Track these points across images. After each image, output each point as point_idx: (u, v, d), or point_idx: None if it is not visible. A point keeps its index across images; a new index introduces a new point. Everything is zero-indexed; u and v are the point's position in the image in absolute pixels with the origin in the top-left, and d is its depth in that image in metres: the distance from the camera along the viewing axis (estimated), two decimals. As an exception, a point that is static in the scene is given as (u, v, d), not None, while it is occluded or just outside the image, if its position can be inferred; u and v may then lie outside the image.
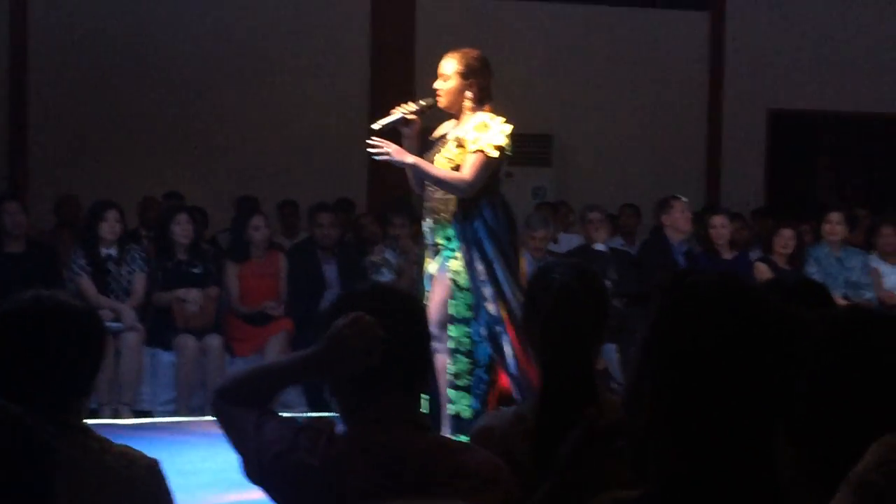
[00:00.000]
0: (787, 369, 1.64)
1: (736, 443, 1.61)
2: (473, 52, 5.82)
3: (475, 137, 5.67)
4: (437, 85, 5.80)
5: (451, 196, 5.70)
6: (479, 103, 5.77)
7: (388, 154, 5.65)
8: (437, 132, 5.95)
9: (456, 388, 5.66)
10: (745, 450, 1.61)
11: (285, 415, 2.62)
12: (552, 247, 9.51)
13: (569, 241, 10.34)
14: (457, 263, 5.68)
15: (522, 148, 11.62)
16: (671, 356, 1.64)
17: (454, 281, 5.68)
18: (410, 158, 5.68)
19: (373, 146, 5.67)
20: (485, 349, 5.67)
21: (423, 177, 5.71)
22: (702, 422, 1.61)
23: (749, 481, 1.61)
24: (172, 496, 2.55)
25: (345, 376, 2.53)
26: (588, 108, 12.63)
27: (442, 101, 5.78)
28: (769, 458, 1.64)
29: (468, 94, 5.75)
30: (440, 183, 5.67)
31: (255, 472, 2.54)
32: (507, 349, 5.57)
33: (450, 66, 5.76)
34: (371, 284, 2.80)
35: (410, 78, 11.20)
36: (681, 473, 1.61)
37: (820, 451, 1.77)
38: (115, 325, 8.18)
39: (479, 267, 5.63)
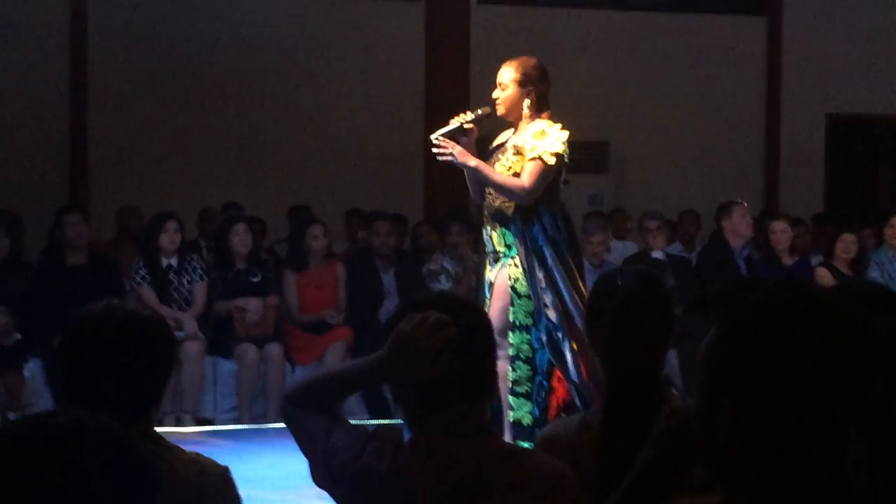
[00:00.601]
0: (862, 373, 1.62)
1: (816, 451, 1.60)
2: (531, 61, 5.84)
3: (533, 145, 5.68)
4: (495, 94, 5.81)
5: (511, 203, 5.71)
6: (538, 111, 5.78)
7: (451, 155, 5.68)
8: (497, 141, 5.97)
9: (516, 394, 5.66)
10: (825, 458, 1.60)
11: (353, 422, 2.64)
12: (605, 256, 9.46)
13: (622, 250, 10.28)
14: (516, 271, 5.69)
15: (579, 155, 11.60)
16: (747, 365, 1.61)
17: (514, 288, 5.69)
18: (473, 161, 5.71)
19: (436, 147, 5.70)
20: (545, 356, 5.67)
21: (484, 181, 5.72)
22: (784, 431, 1.60)
23: (828, 490, 1.59)
24: (241, 502, 2.57)
25: (411, 384, 2.54)
26: (644, 114, 12.58)
27: (500, 110, 5.80)
28: (843, 467, 1.62)
29: (526, 101, 5.76)
30: (499, 188, 5.68)
31: (324, 476, 2.56)
32: (568, 356, 5.57)
33: (507, 75, 5.78)
34: (436, 293, 2.80)
35: (465, 86, 11.22)
36: (765, 482, 1.61)
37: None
38: (176, 334, 8.24)
39: (539, 274, 5.64)
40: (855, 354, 1.61)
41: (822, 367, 1.60)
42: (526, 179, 5.65)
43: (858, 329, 1.62)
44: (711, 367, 1.65)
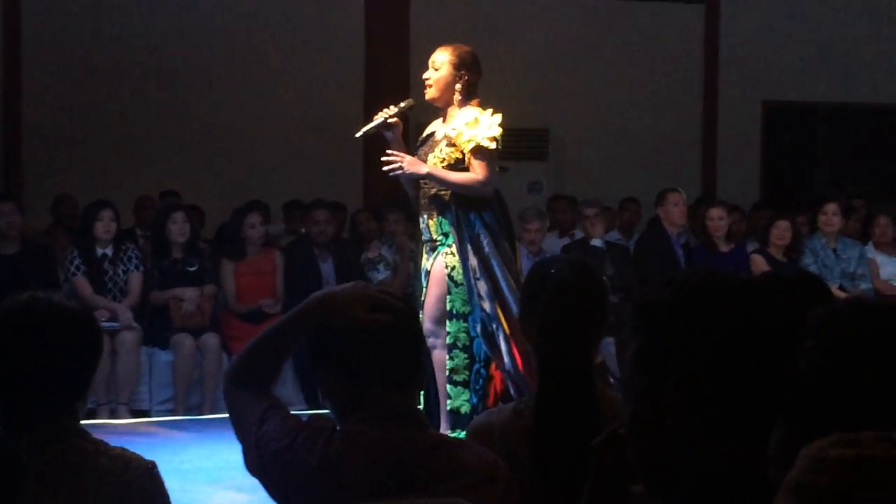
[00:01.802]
0: (787, 358, 1.68)
1: (752, 432, 1.66)
2: (466, 48, 5.83)
3: (470, 136, 5.65)
4: (427, 74, 5.79)
5: (445, 193, 5.69)
6: (467, 97, 5.75)
7: (401, 168, 5.65)
8: (426, 131, 5.94)
9: (454, 383, 5.65)
10: (757, 437, 1.65)
11: (292, 412, 2.61)
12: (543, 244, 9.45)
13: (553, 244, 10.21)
14: (453, 259, 5.67)
15: (518, 142, 11.64)
16: (690, 348, 1.68)
17: (450, 276, 5.67)
18: (424, 168, 5.68)
19: (386, 162, 5.67)
20: (482, 344, 5.66)
21: (440, 184, 5.69)
22: (726, 407, 1.67)
23: (758, 469, 1.63)
24: (168, 499, 2.54)
25: (337, 374, 2.52)
26: (584, 101, 12.62)
27: (430, 92, 5.76)
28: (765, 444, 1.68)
29: (457, 86, 5.73)
30: (458, 187, 5.66)
31: (255, 465, 2.54)
32: (503, 346, 5.56)
33: (442, 57, 5.76)
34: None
35: (405, 74, 11.18)
36: (713, 466, 1.64)
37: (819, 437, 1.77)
38: (111, 324, 8.16)
39: (474, 262, 5.62)
40: (780, 334, 1.69)
41: (753, 344, 1.68)
42: (479, 173, 5.64)
43: (782, 312, 1.71)
44: (650, 363, 1.71)
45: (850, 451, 1.53)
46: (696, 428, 1.68)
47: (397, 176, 5.74)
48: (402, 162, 5.65)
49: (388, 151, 5.71)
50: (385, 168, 5.71)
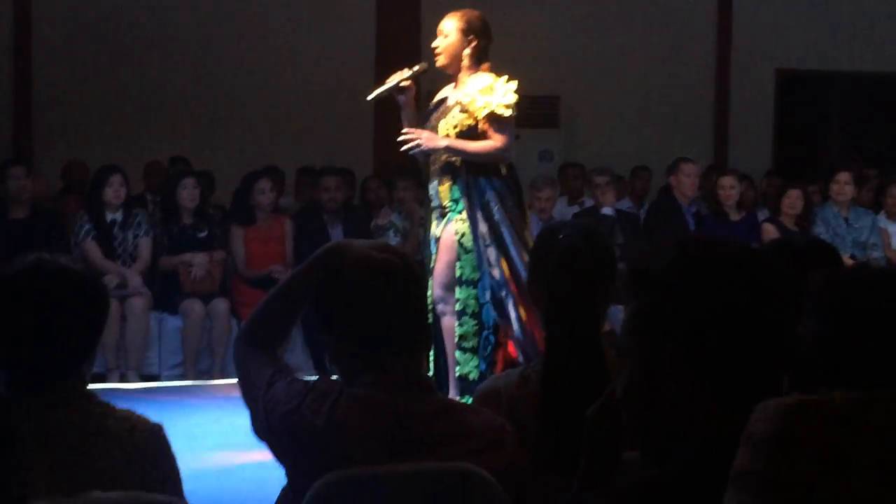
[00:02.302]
0: (788, 322, 1.68)
1: (750, 397, 1.66)
2: (475, 13, 5.79)
3: (485, 102, 5.62)
4: (436, 42, 5.75)
5: (456, 158, 5.67)
6: (477, 63, 5.72)
7: (419, 145, 5.62)
8: (437, 97, 5.91)
9: (463, 349, 5.65)
10: (755, 401, 1.65)
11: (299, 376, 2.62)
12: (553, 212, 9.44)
13: (564, 212, 10.20)
14: (463, 225, 5.65)
15: (529, 110, 11.57)
16: (691, 312, 1.68)
17: (460, 243, 5.66)
18: (443, 142, 5.65)
19: (404, 139, 5.64)
20: (492, 311, 5.65)
21: (460, 154, 5.66)
22: (724, 380, 1.68)
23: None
24: (175, 460, 2.54)
25: (344, 337, 2.52)
26: (596, 68, 12.55)
27: (440, 60, 5.73)
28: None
29: (466, 51, 5.70)
30: (478, 156, 5.63)
31: (262, 428, 2.54)
32: (512, 312, 5.55)
33: (450, 24, 5.72)
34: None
35: (416, 41, 11.12)
36: (710, 431, 1.64)
37: None
38: (121, 290, 8.17)
39: (483, 229, 5.61)
40: (779, 299, 1.69)
41: (751, 309, 1.68)
42: (497, 140, 5.62)
43: (779, 277, 1.71)
44: (647, 329, 1.72)
45: (790, 398, 1.56)
46: (694, 393, 1.68)
47: (416, 153, 5.72)
48: (419, 139, 5.63)
49: (405, 130, 5.69)
50: (404, 147, 5.68)
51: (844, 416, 1.55)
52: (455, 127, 5.67)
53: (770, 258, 1.72)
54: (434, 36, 5.82)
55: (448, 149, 5.65)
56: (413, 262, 2.66)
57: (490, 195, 5.65)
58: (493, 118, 5.62)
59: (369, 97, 5.78)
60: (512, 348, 5.64)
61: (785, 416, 1.56)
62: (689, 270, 1.70)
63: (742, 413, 1.65)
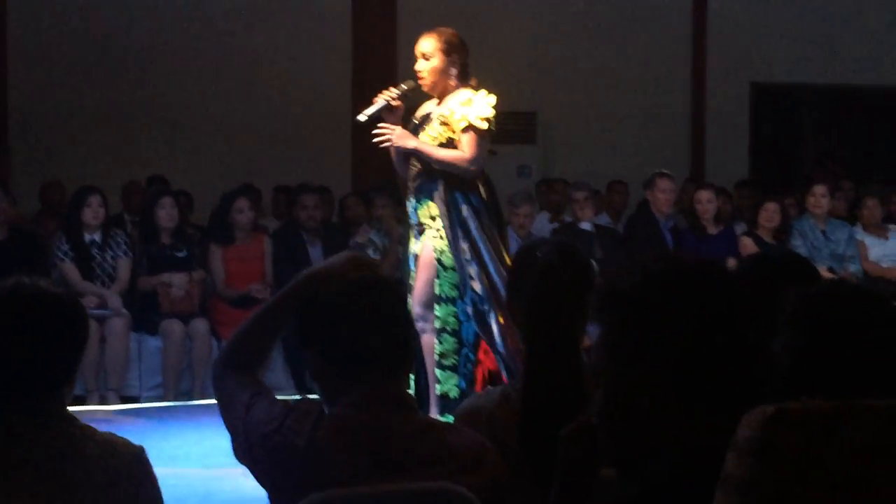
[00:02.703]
0: (759, 337, 1.72)
1: (724, 412, 1.69)
2: (449, 30, 5.81)
3: (462, 114, 5.64)
4: (419, 66, 5.75)
5: (436, 174, 5.69)
6: (464, 79, 5.75)
7: (390, 140, 5.64)
8: (419, 112, 5.92)
9: (443, 367, 5.65)
10: (730, 416, 1.68)
11: (279, 397, 2.62)
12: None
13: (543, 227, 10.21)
14: (441, 243, 5.66)
15: (506, 126, 11.59)
16: (663, 330, 1.71)
17: (439, 260, 5.67)
18: (413, 142, 5.67)
19: (377, 133, 5.65)
20: (471, 328, 5.66)
21: (426, 159, 5.68)
22: (697, 396, 1.70)
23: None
24: (157, 483, 2.53)
25: (326, 357, 2.53)
26: (571, 83, 12.60)
27: (426, 82, 5.74)
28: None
29: (452, 70, 5.72)
30: (444, 164, 5.65)
31: (243, 451, 2.54)
32: (495, 328, 5.56)
33: (430, 45, 5.73)
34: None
35: (392, 55, 11.15)
36: (686, 446, 1.66)
37: None
38: (100, 311, 8.15)
39: (464, 245, 5.62)
40: (747, 315, 1.74)
41: (719, 326, 1.71)
42: (466, 150, 5.64)
43: (745, 292, 1.76)
44: (619, 349, 1.75)
45: (770, 406, 1.59)
46: (669, 409, 1.71)
47: (386, 147, 5.73)
48: (391, 134, 5.65)
49: (381, 124, 5.70)
50: (375, 140, 5.69)
51: (820, 424, 1.59)
52: (435, 139, 5.69)
53: (738, 274, 1.76)
54: (410, 53, 5.84)
55: (416, 150, 5.66)
56: (393, 282, 2.67)
57: (468, 212, 5.66)
58: (468, 129, 5.64)
59: (360, 118, 5.75)
60: (491, 364, 5.64)
61: (765, 423, 1.60)
62: (656, 289, 1.73)
63: (716, 427, 1.68)
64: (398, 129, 5.67)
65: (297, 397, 2.62)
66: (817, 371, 1.81)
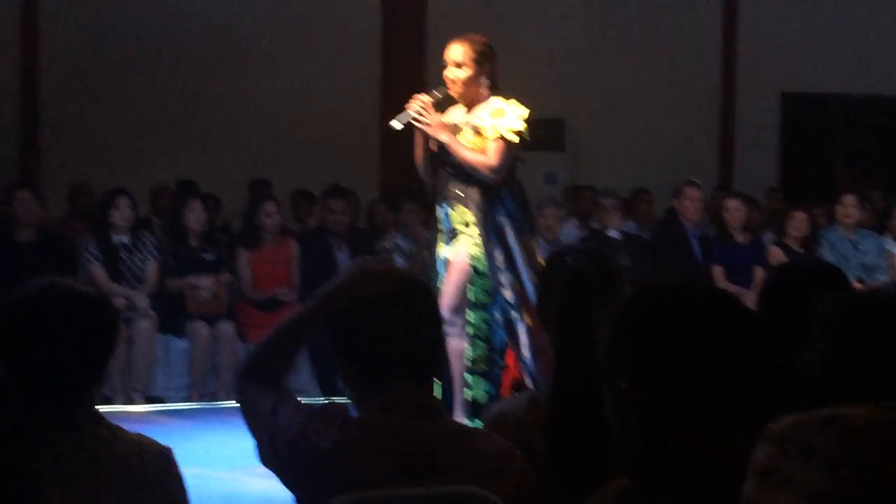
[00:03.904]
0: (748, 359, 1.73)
1: (709, 426, 1.70)
2: (481, 38, 5.81)
3: (493, 124, 5.65)
4: (451, 74, 5.74)
5: (472, 183, 5.69)
6: (493, 88, 5.75)
7: (428, 124, 5.65)
8: (446, 118, 5.91)
9: (473, 373, 5.65)
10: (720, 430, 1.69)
11: (302, 400, 2.62)
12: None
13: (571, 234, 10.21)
14: (477, 249, 5.67)
15: (534, 133, 11.58)
16: (635, 350, 1.75)
17: (474, 267, 5.67)
18: (445, 136, 5.68)
19: (417, 110, 5.64)
20: (501, 334, 5.66)
21: (453, 153, 5.67)
22: (680, 414, 1.71)
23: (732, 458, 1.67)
24: (184, 483, 2.54)
25: (356, 364, 2.52)
26: (600, 91, 12.58)
27: (456, 90, 5.74)
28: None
29: (483, 80, 5.73)
30: (467, 164, 5.65)
31: (269, 456, 2.54)
32: (523, 336, 5.56)
33: (461, 54, 5.72)
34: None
35: (421, 61, 11.18)
36: (678, 463, 1.66)
37: None
38: (128, 312, 8.18)
39: (498, 254, 5.63)
40: (724, 336, 1.73)
41: (692, 348, 1.72)
42: (492, 158, 5.65)
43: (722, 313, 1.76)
44: (609, 369, 1.81)
45: (780, 424, 1.58)
46: (655, 429, 1.73)
47: (420, 129, 5.71)
48: (429, 119, 5.65)
49: (422, 97, 5.68)
50: (413, 114, 5.67)
51: (855, 429, 1.57)
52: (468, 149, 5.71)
53: (768, 284, 1.75)
54: (440, 58, 5.84)
55: (446, 144, 5.66)
56: (430, 288, 2.66)
57: (504, 218, 5.67)
58: (498, 140, 5.64)
59: (395, 124, 5.75)
60: (518, 370, 5.64)
61: (777, 441, 1.58)
62: (634, 315, 1.77)
63: (724, 442, 1.68)
64: (435, 117, 5.68)
65: (323, 401, 2.61)
66: (851, 379, 1.79)
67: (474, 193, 5.68)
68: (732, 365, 1.71)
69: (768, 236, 9.86)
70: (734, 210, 9.33)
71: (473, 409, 5.59)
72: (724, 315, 1.74)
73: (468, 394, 5.64)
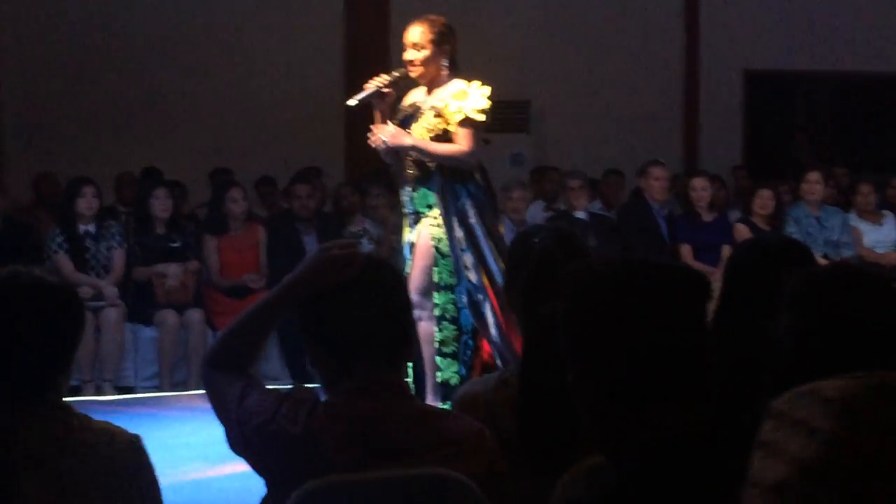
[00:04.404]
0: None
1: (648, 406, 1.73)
2: (440, 18, 5.79)
3: (458, 107, 5.64)
4: (409, 56, 5.73)
5: (431, 164, 5.68)
6: (454, 69, 5.74)
7: (384, 142, 5.63)
8: (407, 101, 5.90)
9: (443, 355, 5.66)
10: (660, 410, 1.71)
11: (270, 387, 2.61)
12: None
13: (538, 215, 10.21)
14: (439, 230, 5.66)
15: (499, 115, 11.59)
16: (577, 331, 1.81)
17: (437, 248, 5.67)
18: (409, 140, 5.66)
19: (369, 137, 5.65)
20: (469, 315, 5.66)
21: (425, 155, 5.67)
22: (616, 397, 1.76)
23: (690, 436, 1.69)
24: (154, 471, 2.53)
25: (324, 346, 2.52)
26: (564, 72, 12.58)
27: (416, 71, 5.73)
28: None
29: (443, 61, 5.72)
30: (443, 158, 5.64)
31: (238, 442, 2.53)
32: (489, 316, 5.56)
33: (419, 35, 5.71)
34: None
35: (386, 45, 11.15)
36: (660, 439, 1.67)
37: None
38: (95, 302, 8.14)
39: (460, 234, 5.62)
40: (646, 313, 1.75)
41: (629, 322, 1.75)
42: (464, 144, 5.64)
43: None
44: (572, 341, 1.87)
45: (778, 399, 1.60)
46: (600, 412, 1.77)
47: (381, 150, 5.73)
48: (385, 135, 5.63)
49: (372, 126, 5.70)
50: (370, 143, 5.70)
51: (830, 399, 1.59)
52: (430, 131, 5.69)
53: (733, 260, 1.76)
54: (402, 39, 5.82)
55: (414, 147, 5.65)
56: (396, 271, 2.65)
57: (465, 199, 5.66)
58: (465, 123, 5.64)
59: (351, 102, 5.75)
60: (488, 351, 5.65)
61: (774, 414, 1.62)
62: (581, 298, 1.81)
63: (684, 420, 1.71)
64: (390, 128, 5.66)
65: (291, 386, 2.60)
66: (822, 352, 1.81)
67: (435, 176, 5.67)
68: (678, 342, 1.72)
69: (734, 214, 9.91)
70: (700, 189, 9.36)
71: (445, 391, 5.59)
72: (672, 291, 1.75)
73: (439, 376, 5.64)
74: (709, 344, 1.74)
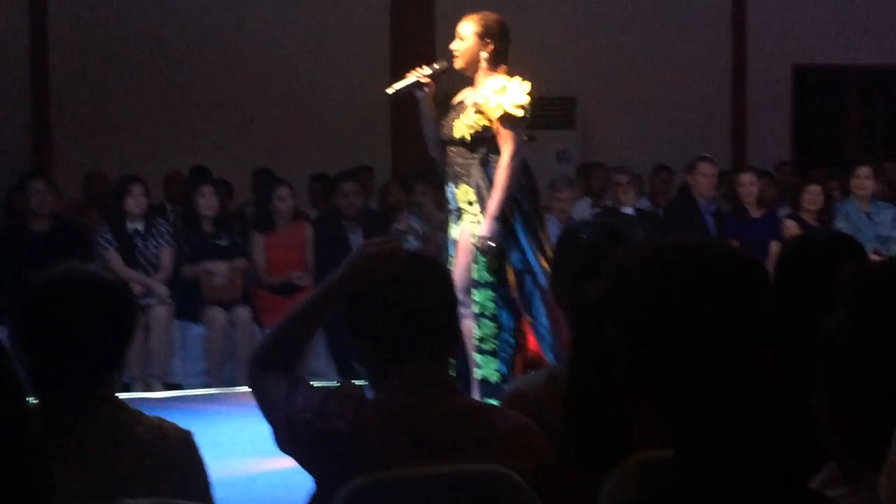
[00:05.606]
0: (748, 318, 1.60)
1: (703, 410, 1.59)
2: (493, 16, 5.79)
3: (497, 102, 5.63)
4: (453, 46, 5.76)
5: (472, 160, 5.68)
6: (494, 65, 5.72)
7: (491, 245, 5.57)
8: (457, 98, 5.91)
9: (482, 352, 5.65)
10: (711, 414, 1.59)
11: (316, 384, 2.62)
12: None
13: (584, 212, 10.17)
14: (478, 227, 5.65)
15: (546, 111, 11.58)
16: (627, 317, 1.64)
17: (476, 245, 5.66)
18: (490, 221, 5.55)
19: (415, 79, 5.65)
20: (509, 313, 5.65)
21: (505, 201, 5.60)
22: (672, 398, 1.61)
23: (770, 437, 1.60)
24: (206, 467, 2.55)
25: (370, 343, 2.52)
26: (611, 68, 12.54)
27: (458, 62, 5.74)
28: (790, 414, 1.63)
29: (483, 55, 5.71)
30: (508, 188, 5.58)
31: (286, 440, 2.54)
32: (541, 311, 5.57)
33: (467, 28, 5.73)
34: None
35: (431, 42, 11.14)
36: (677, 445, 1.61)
37: (861, 402, 1.75)
38: (144, 299, 8.20)
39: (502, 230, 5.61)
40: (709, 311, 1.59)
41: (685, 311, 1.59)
42: (505, 149, 5.61)
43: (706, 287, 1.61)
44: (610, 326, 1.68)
45: None
46: (649, 410, 1.64)
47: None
48: (491, 243, 5.56)
49: (421, 69, 5.68)
50: (410, 80, 5.69)
51: None
52: (470, 127, 5.68)
53: (784, 257, 1.66)
54: (450, 37, 5.83)
55: (495, 215, 5.57)
56: (442, 266, 2.65)
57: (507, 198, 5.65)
58: (504, 118, 5.62)
59: (389, 90, 5.77)
60: (535, 347, 5.64)
61: None
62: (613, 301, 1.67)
63: (696, 426, 1.60)
64: (483, 233, 5.57)
65: (337, 383, 2.61)
66: (876, 349, 1.77)
67: (477, 172, 5.66)
68: (737, 336, 1.57)
69: (783, 210, 9.83)
70: (748, 184, 9.30)
71: (485, 388, 5.58)
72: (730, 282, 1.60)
73: (478, 373, 5.63)
74: (772, 342, 1.60)
